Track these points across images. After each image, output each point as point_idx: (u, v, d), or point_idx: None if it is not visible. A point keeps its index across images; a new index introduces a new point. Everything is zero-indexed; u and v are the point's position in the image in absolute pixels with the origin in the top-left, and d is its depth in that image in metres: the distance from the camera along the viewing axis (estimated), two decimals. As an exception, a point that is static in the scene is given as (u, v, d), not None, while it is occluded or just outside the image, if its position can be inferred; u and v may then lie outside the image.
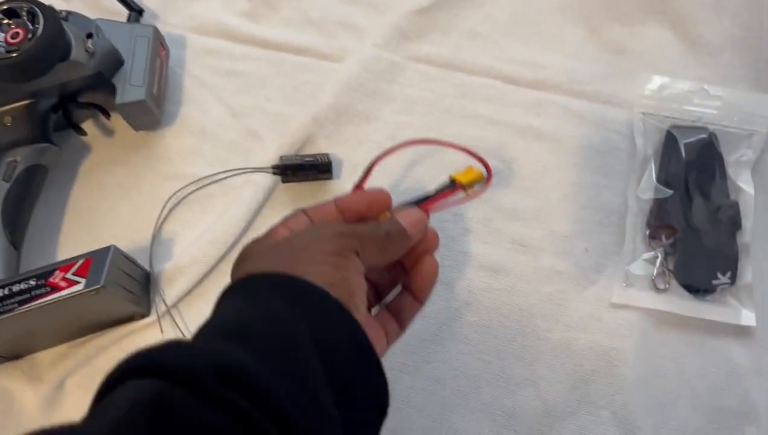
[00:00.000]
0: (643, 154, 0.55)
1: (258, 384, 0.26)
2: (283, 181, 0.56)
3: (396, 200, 0.43)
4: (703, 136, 0.53)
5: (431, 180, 0.54)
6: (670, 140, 0.54)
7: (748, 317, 0.50)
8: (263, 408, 0.25)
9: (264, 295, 0.32)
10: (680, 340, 0.51)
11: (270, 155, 0.57)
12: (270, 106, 0.61)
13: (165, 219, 0.56)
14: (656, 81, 0.56)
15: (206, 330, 0.31)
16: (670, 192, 0.53)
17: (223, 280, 0.54)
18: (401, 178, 0.57)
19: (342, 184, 0.56)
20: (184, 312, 0.53)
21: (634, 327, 0.50)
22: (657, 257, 0.52)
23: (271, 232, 0.39)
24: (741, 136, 0.54)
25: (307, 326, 0.30)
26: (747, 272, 0.51)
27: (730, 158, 0.54)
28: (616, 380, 0.49)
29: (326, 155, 0.56)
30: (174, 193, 0.56)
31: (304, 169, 0.55)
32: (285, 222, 0.40)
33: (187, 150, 0.59)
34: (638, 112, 0.56)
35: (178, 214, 0.56)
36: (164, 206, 0.56)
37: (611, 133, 0.57)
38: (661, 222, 0.53)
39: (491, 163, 0.49)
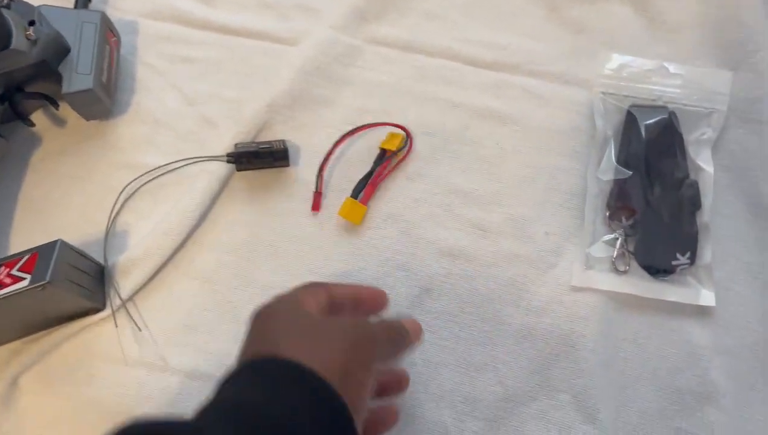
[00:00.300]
0: (603, 135, 0.54)
1: None
2: (238, 170, 0.55)
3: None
4: (663, 115, 0.53)
5: (366, 158, 0.55)
6: (629, 120, 0.53)
7: (707, 297, 0.50)
8: None
9: (286, 390, 0.33)
10: (641, 322, 0.51)
11: (226, 143, 0.56)
12: (226, 93, 0.59)
13: (119, 210, 0.55)
14: (616, 60, 0.55)
15: (226, 410, 0.32)
16: (629, 173, 0.52)
17: (177, 272, 0.53)
18: (338, 162, 0.56)
19: (300, 171, 0.56)
20: (140, 305, 0.52)
21: (594, 310, 0.50)
22: (617, 239, 0.52)
23: (297, 300, 0.39)
24: (701, 114, 0.54)
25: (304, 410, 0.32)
26: (707, 252, 0.51)
27: (691, 137, 0.53)
28: (577, 364, 0.49)
29: (282, 142, 0.55)
30: (128, 184, 0.55)
31: (259, 156, 0.54)
32: (312, 294, 0.40)
33: (140, 139, 0.58)
34: (598, 91, 0.55)
35: (132, 205, 0.55)
36: (118, 197, 0.55)
37: (572, 114, 0.56)
38: (620, 203, 0.52)
39: (452, 147, 0.53)
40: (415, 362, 0.50)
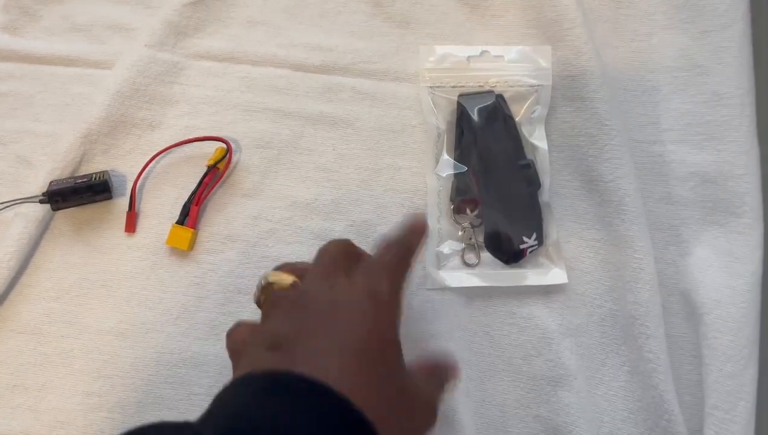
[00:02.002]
0: (436, 130, 0.53)
1: None
2: (55, 209, 0.51)
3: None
4: (490, 100, 0.52)
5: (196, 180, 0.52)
6: (460, 111, 0.52)
7: (559, 275, 0.50)
8: None
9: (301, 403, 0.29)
10: (490, 314, 0.50)
11: (43, 182, 0.52)
12: (40, 128, 0.55)
13: (-73, 270, 0.50)
14: (438, 51, 0.54)
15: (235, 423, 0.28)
16: (464, 168, 0.51)
17: (1, 327, 0.49)
18: (168, 187, 0.53)
19: (125, 202, 0.52)
20: (-40, 371, 0.48)
21: (442, 308, 0.49)
22: (464, 232, 0.51)
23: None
24: (528, 92, 0.53)
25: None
26: (552, 230, 0.51)
27: (522, 117, 0.53)
28: (430, 366, 0.48)
29: (104, 173, 0.52)
30: (-65, 239, 0.50)
31: (78, 192, 0.50)
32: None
33: (-52, 188, 0.53)
34: (425, 86, 0.54)
35: (-59, 263, 0.50)
36: (-76, 256, 0.50)
37: (404, 111, 0.54)
38: (462, 196, 0.51)
39: (288, 157, 0.53)
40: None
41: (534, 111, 0.53)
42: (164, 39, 0.56)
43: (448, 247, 0.51)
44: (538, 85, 0.53)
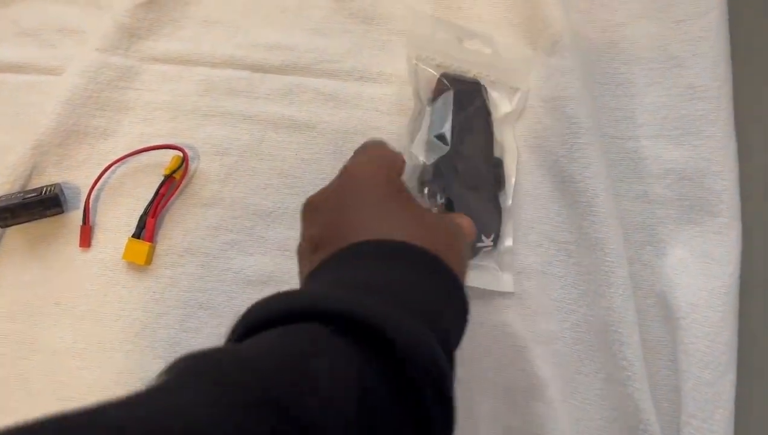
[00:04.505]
0: (419, 106, 0.50)
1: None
2: (2, 226, 0.49)
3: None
4: (474, 89, 0.49)
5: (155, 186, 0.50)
6: (439, 89, 0.50)
7: (506, 283, 0.48)
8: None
9: (386, 261, 0.31)
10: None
11: (-8, 196, 0.49)
12: (-12, 139, 0.52)
13: None
14: (428, 22, 0.51)
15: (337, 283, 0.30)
16: (446, 148, 0.48)
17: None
18: (123, 199, 0.51)
19: (80, 216, 0.50)
20: None
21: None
22: None
23: (375, 174, 0.36)
24: (507, 92, 0.51)
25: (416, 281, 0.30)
26: (508, 235, 0.49)
27: (497, 115, 0.51)
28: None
29: (56, 186, 0.49)
30: None
31: (27, 207, 0.48)
32: (389, 165, 0.37)
33: None
34: (412, 58, 0.50)
35: None
36: None
37: (369, 112, 0.52)
38: (435, 179, 0.48)
39: (249, 163, 0.51)
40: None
41: (508, 112, 0.51)
42: (116, 42, 0.53)
43: None
44: (516, 87, 0.51)
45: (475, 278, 0.47)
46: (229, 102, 0.53)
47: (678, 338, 0.46)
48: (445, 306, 0.31)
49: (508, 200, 0.49)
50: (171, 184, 0.50)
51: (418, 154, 0.49)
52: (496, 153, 0.50)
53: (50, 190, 0.49)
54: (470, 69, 0.51)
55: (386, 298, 0.28)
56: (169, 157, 0.51)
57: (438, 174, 0.48)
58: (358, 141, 0.51)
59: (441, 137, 0.48)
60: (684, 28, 0.52)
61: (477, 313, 0.47)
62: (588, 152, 0.48)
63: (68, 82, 0.52)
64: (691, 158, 0.49)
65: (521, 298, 0.48)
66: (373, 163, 0.37)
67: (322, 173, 0.51)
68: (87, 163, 0.51)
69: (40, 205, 0.48)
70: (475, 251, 0.47)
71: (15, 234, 0.50)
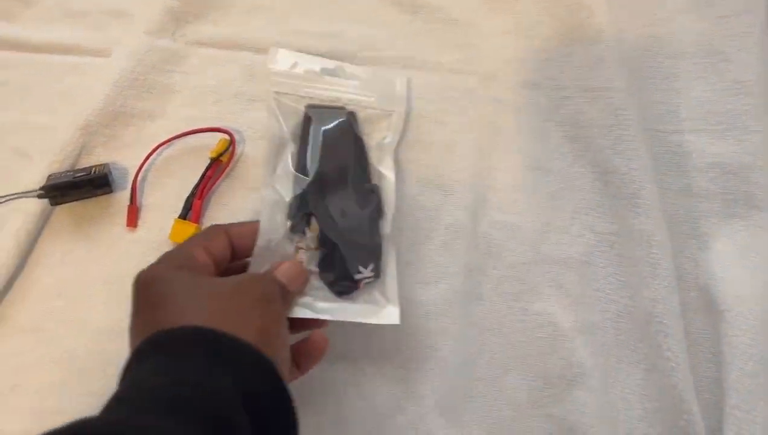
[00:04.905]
0: (279, 139, 0.47)
1: None
2: (53, 204, 0.49)
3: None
4: (341, 117, 0.48)
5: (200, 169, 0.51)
6: (307, 123, 0.48)
7: (391, 315, 0.44)
8: None
9: (190, 357, 0.32)
10: (503, 311, 0.48)
11: (41, 175, 0.50)
12: (36, 119, 0.53)
13: (-77, 268, 0.48)
14: (290, 56, 0.51)
15: (134, 398, 0.30)
16: (307, 180, 0.45)
17: (1, 327, 0.47)
18: (170, 180, 0.51)
19: (127, 196, 0.50)
20: (-38, 371, 0.46)
21: (452, 304, 0.48)
22: (298, 254, 0.44)
23: (189, 255, 0.38)
24: (380, 116, 0.50)
25: (233, 383, 0.31)
26: (391, 264, 0.45)
27: (372, 141, 0.49)
28: (439, 365, 0.47)
29: (104, 166, 0.50)
30: (-69, 236, 0.49)
31: (77, 186, 0.49)
32: (205, 243, 0.39)
33: (-57, 183, 0.51)
34: (272, 91, 0.48)
35: (-61, 260, 0.49)
36: None
37: (413, 100, 0.52)
38: (300, 214, 0.45)
39: None
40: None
41: (385, 137, 0.49)
42: (164, 26, 0.54)
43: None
44: (390, 111, 0.50)
45: (359, 313, 0.44)
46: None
47: (722, 331, 0.46)
48: (237, 399, 0.31)
49: (387, 227, 0.46)
50: (217, 167, 0.51)
51: (281, 190, 0.45)
52: (375, 179, 0.48)
53: (99, 169, 0.49)
54: (338, 98, 0.50)
55: (162, 410, 0.29)
56: (214, 141, 0.51)
57: (304, 208, 0.45)
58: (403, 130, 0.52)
59: (303, 169, 0.46)
60: (728, 24, 0.52)
61: (519, 301, 0.48)
62: (634, 144, 0.48)
63: (116, 64, 0.53)
64: (735, 153, 0.50)
65: (563, 287, 0.49)
66: (161, 262, 0.38)
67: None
68: (134, 145, 0.52)
69: (90, 184, 0.49)
70: (354, 284, 0.44)
71: (63, 212, 0.50)
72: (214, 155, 0.50)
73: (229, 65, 0.54)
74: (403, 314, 0.47)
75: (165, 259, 0.38)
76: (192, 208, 0.50)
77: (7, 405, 0.46)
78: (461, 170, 0.51)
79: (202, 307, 0.34)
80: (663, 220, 0.48)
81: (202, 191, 0.50)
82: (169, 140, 0.51)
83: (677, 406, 0.45)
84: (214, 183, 0.51)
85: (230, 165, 0.51)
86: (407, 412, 0.46)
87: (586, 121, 0.50)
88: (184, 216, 0.49)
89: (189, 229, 0.49)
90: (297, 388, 0.45)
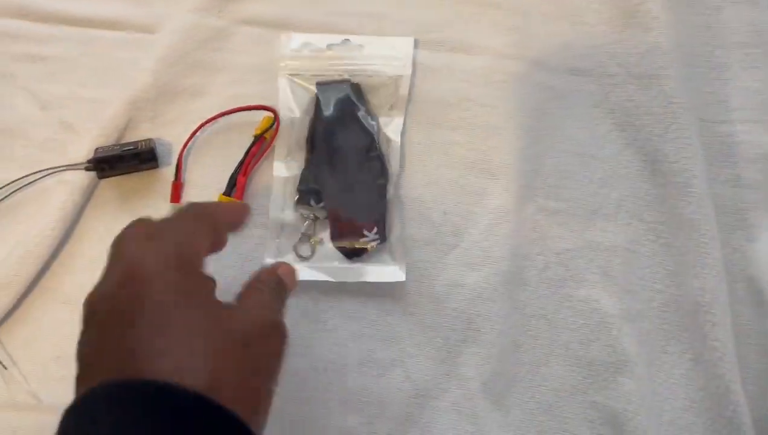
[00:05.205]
0: (290, 120, 0.51)
1: None
2: (100, 177, 0.49)
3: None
4: (344, 89, 0.50)
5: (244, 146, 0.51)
6: (316, 100, 0.51)
7: (396, 273, 0.47)
8: None
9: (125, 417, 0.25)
10: (548, 296, 0.48)
11: (88, 149, 0.50)
12: (83, 93, 0.53)
13: (-31, 236, 0.49)
14: (297, 39, 0.53)
15: None
16: (311, 154, 0.50)
17: (43, 298, 0.48)
18: (214, 157, 0.51)
19: (172, 172, 0.50)
20: (3, 340, 0.47)
21: (497, 290, 0.47)
22: (306, 224, 0.49)
23: (193, 254, 0.30)
24: (386, 83, 0.51)
25: None
26: (397, 226, 0.49)
27: (379, 109, 0.51)
28: (484, 348, 0.47)
29: (150, 141, 0.50)
30: (-23, 206, 0.49)
31: (124, 160, 0.49)
32: (209, 233, 0.32)
33: (-9, 153, 0.51)
34: (284, 75, 0.52)
35: (-16, 230, 0.49)
36: (-34, 222, 0.49)
37: (460, 83, 0.52)
38: (308, 187, 0.49)
39: None
40: (315, 367, 0.46)
41: (391, 102, 0.51)
42: (210, 3, 0.54)
43: (288, 239, 0.49)
44: (397, 76, 0.51)
45: (366, 273, 0.47)
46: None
47: (769, 322, 0.46)
48: None
49: (391, 190, 0.49)
50: (261, 145, 0.50)
51: (292, 166, 0.50)
52: (383, 144, 0.50)
53: (145, 144, 0.49)
54: (345, 71, 0.52)
55: None
56: (256, 118, 0.51)
57: (310, 180, 0.49)
58: (449, 112, 0.51)
59: (311, 144, 0.50)
60: (781, 13, 0.52)
61: (564, 287, 0.48)
62: (686, 133, 0.48)
63: (163, 40, 0.53)
64: (785, 144, 0.49)
65: (609, 274, 0.48)
66: (161, 255, 0.29)
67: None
68: (178, 121, 0.52)
69: (136, 158, 0.49)
70: (363, 250, 0.48)
71: (107, 186, 0.50)
72: (258, 132, 0.50)
73: (274, 44, 0.54)
74: (448, 297, 0.48)
75: (161, 249, 0.29)
76: (236, 184, 0.50)
77: (52, 376, 0.46)
78: (507, 154, 0.50)
79: (206, 364, 0.26)
80: (713, 210, 0.47)
81: (246, 168, 0.50)
82: (216, 117, 0.51)
83: (724, 396, 0.44)
84: (258, 160, 0.51)
85: (274, 142, 0.51)
86: (451, 394, 0.46)
87: (636, 108, 0.50)
88: (228, 192, 0.49)
89: (233, 205, 0.49)
90: (338, 369, 0.46)
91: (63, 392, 0.45)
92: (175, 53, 0.52)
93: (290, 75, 0.52)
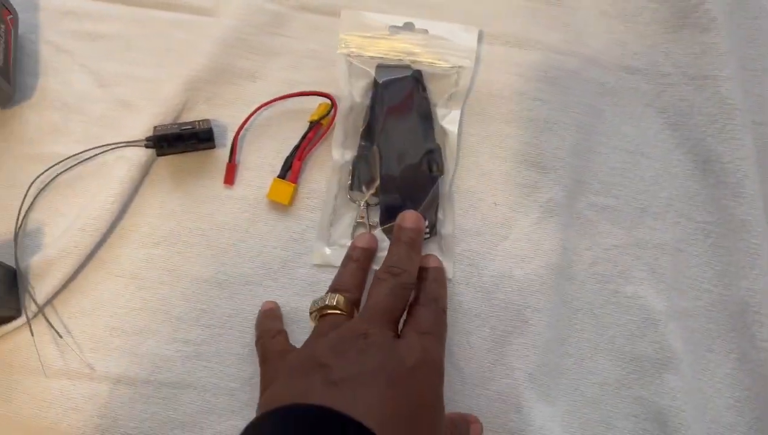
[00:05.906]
0: (350, 101, 0.51)
1: None
2: (159, 154, 0.50)
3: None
4: (405, 75, 0.50)
5: (298, 135, 0.51)
6: (375, 84, 0.50)
7: (446, 269, 0.46)
8: None
9: None
10: (596, 290, 0.49)
11: (144, 127, 0.51)
12: (141, 72, 0.54)
13: (29, 207, 0.50)
14: (359, 17, 0.52)
15: None
16: (371, 140, 0.50)
17: (99, 270, 0.49)
18: (269, 140, 0.52)
19: (225, 153, 0.51)
20: (59, 309, 0.48)
21: (546, 283, 0.48)
22: (359, 210, 0.49)
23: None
24: (447, 73, 0.51)
25: None
26: (449, 222, 0.49)
27: (438, 98, 0.51)
28: (531, 339, 0.47)
29: (207, 121, 0.51)
30: (37, 177, 0.50)
31: (182, 139, 0.50)
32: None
33: (49, 127, 0.52)
34: (342, 53, 0.52)
35: (43, 201, 0.50)
36: (26, 193, 0.49)
37: (513, 77, 0.53)
38: (362, 171, 0.50)
39: None
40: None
41: (451, 93, 0.51)
42: (270, -11, 0.55)
43: (341, 224, 0.50)
44: (459, 67, 0.51)
45: None
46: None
47: (817, 326, 0.46)
48: None
49: (446, 186, 0.49)
50: (317, 131, 0.51)
51: (349, 151, 0.50)
52: (439, 136, 0.50)
53: (203, 124, 0.50)
54: (407, 56, 0.51)
55: None
56: (311, 104, 0.52)
57: (365, 165, 0.50)
58: (503, 105, 0.52)
59: (370, 130, 0.50)
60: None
61: (612, 283, 0.48)
62: (740, 133, 0.48)
63: (222, 23, 0.53)
64: (837, 149, 0.49)
65: (656, 272, 0.49)
66: (430, 353, 0.38)
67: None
68: (234, 103, 0.53)
69: (195, 137, 0.50)
70: None
71: (163, 164, 0.51)
72: (314, 118, 0.51)
73: (331, 32, 0.54)
74: (497, 287, 0.48)
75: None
76: (291, 167, 0.50)
77: (105, 347, 0.47)
78: (559, 149, 0.51)
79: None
80: (764, 211, 0.48)
81: (302, 152, 0.51)
82: (273, 101, 0.51)
83: (769, 396, 0.45)
84: (313, 146, 0.51)
85: (330, 129, 0.52)
86: (497, 383, 0.46)
87: (689, 108, 0.50)
88: (283, 175, 0.50)
89: (287, 188, 0.50)
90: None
91: (115, 362, 0.47)
92: (232, 36, 0.53)
93: (348, 55, 0.52)
